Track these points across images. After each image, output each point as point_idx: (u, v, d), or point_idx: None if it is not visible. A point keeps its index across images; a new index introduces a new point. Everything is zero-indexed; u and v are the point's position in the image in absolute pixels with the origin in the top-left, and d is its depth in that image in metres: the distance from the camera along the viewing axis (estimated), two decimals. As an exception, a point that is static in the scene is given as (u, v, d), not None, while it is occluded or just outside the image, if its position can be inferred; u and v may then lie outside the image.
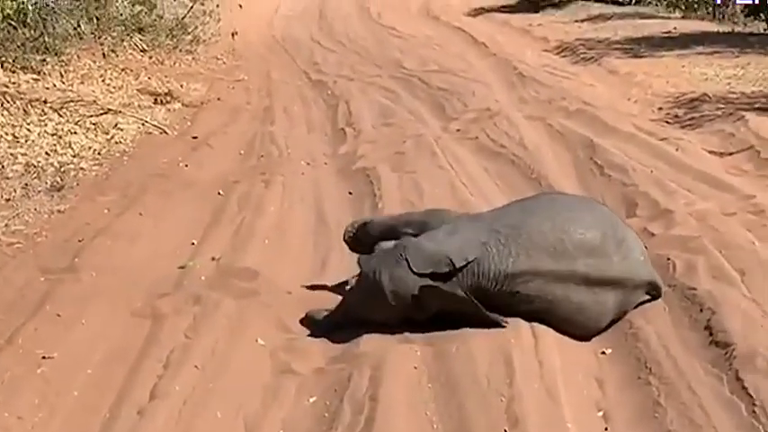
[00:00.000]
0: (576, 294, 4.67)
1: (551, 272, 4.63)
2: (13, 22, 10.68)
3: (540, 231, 4.67)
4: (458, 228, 4.83)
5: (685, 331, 4.60)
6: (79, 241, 6.22)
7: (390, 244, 4.94)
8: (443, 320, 4.68)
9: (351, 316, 4.87)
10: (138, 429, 4.00)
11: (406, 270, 4.66)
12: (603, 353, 4.64)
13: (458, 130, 9.16)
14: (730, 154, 7.67)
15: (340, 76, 12.89)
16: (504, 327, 4.58)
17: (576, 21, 16.93)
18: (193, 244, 6.27)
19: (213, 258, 5.92)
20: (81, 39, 11.92)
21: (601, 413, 4.10)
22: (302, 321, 5.02)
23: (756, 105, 9.16)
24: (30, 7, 10.90)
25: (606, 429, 3.97)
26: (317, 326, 4.95)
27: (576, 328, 4.74)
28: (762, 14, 14.50)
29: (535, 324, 4.66)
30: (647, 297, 4.89)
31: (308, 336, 4.92)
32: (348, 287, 5.14)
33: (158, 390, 4.30)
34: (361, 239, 5.47)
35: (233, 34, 14.91)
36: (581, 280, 4.66)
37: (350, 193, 7.42)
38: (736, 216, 5.96)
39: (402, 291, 4.65)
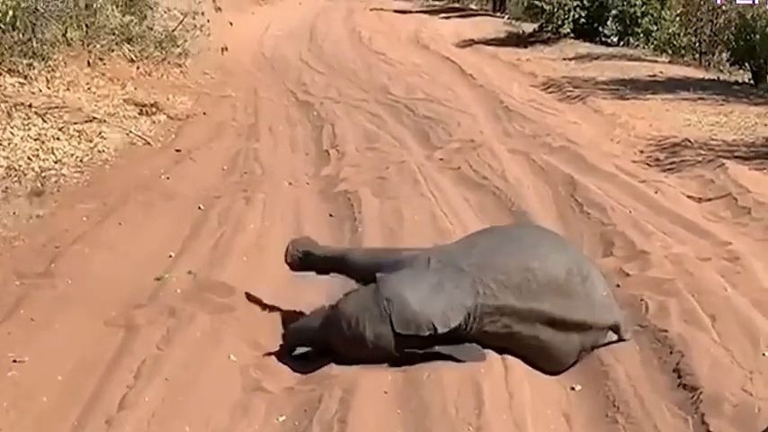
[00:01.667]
0: (543, 333, 4.71)
1: (518, 311, 4.66)
2: (1, 26, 10.67)
3: (505, 272, 4.68)
4: (443, 283, 4.69)
5: (654, 372, 4.64)
6: (56, 247, 6.20)
7: (372, 287, 4.79)
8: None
9: (322, 347, 4.86)
10: (105, 439, 3.99)
11: (388, 327, 4.61)
12: (573, 388, 4.67)
13: (441, 159, 9.21)
14: (708, 200, 7.75)
15: (327, 97, 12.94)
16: (482, 360, 4.61)
17: (564, 58, 17.06)
18: (171, 256, 6.28)
19: (190, 272, 5.92)
20: (69, 45, 11.92)
21: (567, 448, 4.13)
22: (275, 340, 5.03)
23: (737, 153, 9.26)
24: (19, 11, 10.88)
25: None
26: (290, 345, 4.95)
27: (545, 364, 4.78)
28: (746, 64, 14.67)
29: (506, 356, 4.69)
30: (615, 337, 4.93)
31: (281, 354, 4.92)
32: (322, 319, 4.95)
33: (128, 400, 4.28)
34: (305, 265, 5.51)
35: (222, 50, 14.93)
36: (547, 320, 4.70)
37: (330, 215, 7.44)
38: (710, 261, 6.02)
39: (384, 344, 4.63)
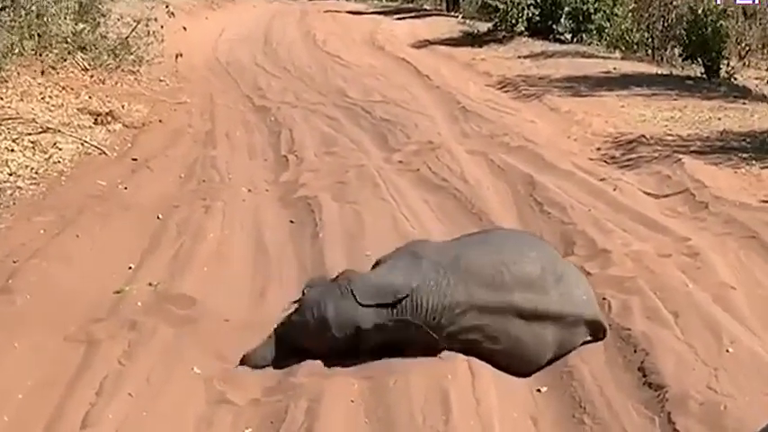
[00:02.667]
0: (513, 327, 4.72)
1: (488, 304, 4.68)
2: (-49, 37, 10.53)
3: (478, 264, 4.75)
4: (398, 264, 4.88)
5: (619, 372, 4.66)
6: (14, 262, 6.10)
7: (326, 281, 4.97)
8: (380, 352, 4.69)
9: (287, 346, 4.85)
10: (68, 458, 3.94)
11: (351, 302, 4.68)
12: (539, 390, 4.68)
13: (400, 162, 9.20)
14: (666, 196, 7.80)
15: (284, 102, 12.87)
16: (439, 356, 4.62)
17: (519, 57, 17.11)
18: (130, 268, 6.21)
19: (150, 284, 5.85)
20: (21, 55, 11.72)
21: (535, 452, 4.14)
22: (239, 351, 4.98)
23: (692, 148, 9.34)
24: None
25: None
26: (254, 360, 4.90)
27: (516, 362, 4.78)
28: (698, 58, 14.80)
29: (473, 360, 4.69)
30: (590, 337, 4.94)
31: (245, 366, 4.89)
32: (284, 317, 5.07)
33: (90, 417, 4.24)
34: None
35: (177, 56, 14.80)
36: (518, 313, 4.71)
37: (291, 222, 7.40)
38: (671, 258, 6.06)
39: (347, 322, 4.66)
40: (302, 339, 4.80)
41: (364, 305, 4.68)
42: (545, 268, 4.84)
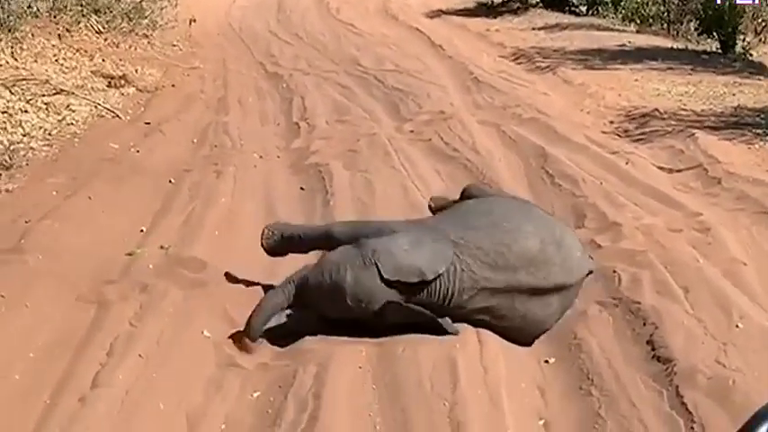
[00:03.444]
0: (520, 303, 4.75)
1: (495, 285, 4.71)
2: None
3: (484, 246, 4.74)
4: (423, 240, 4.78)
5: (628, 345, 4.67)
6: (26, 222, 6.12)
7: (355, 245, 4.82)
8: (392, 327, 4.70)
9: (299, 303, 4.84)
10: (78, 417, 3.95)
11: (373, 274, 4.64)
12: (547, 362, 4.69)
13: (411, 131, 9.18)
14: (679, 171, 7.77)
15: (296, 69, 12.85)
16: (456, 335, 4.62)
17: (533, 28, 17.01)
18: (142, 231, 6.23)
19: (162, 247, 5.88)
20: (36, 17, 11.74)
21: (542, 422, 4.16)
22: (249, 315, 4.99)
23: (706, 124, 9.29)
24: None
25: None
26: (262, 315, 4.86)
27: (522, 333, 4.83)
28: (714, 33, 14.70)
29: (481, 330, 4.71)
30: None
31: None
32: (301, 276, 4.93)
33: (101, 378, 4.26)
34: (283, 246, 5.41)
35: (190, 21, 14.78)
36: (525, 290, 4.73)
37: (301, 189, 7.41)
38: (682, 233, 6.04)
39: (363, 294, 4.64)
40: (313, 298, 4.77)
41: (386, 280, 4.65)
42: (544, 240, 4.86)
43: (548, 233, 4.93)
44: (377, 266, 4.64)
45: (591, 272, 5.10)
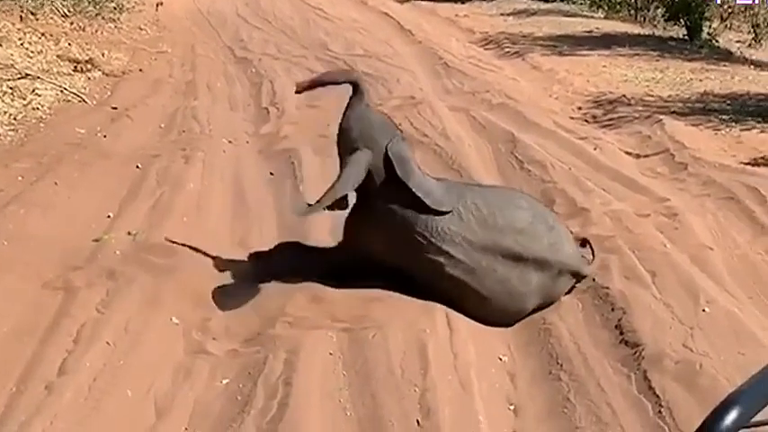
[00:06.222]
0: (501, 267, 4.78)
1: (479, 240, 4.78)
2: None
3: (473, 203, 4.84)
4: (433, 180, 5.01)
5: (597, 329, 4.69)
6: (-9, 208, 6.06)
7: None
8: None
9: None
10: (45, 405, 3.90)
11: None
12: (516, 347, 4.70)
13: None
14: (646, 156, 7.82)
15: (265, 54, 12.78)
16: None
17: (502, 14, 17.04)
18: (109, 217, 6.17)
19: (129, 233, 5.83)
20: (0, 0, 11.60)
21: (512, 407, 4.17)
22: (218, 301, 4.98)
23: (673, 110, 9.35)
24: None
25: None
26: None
27: (498, 305, 4.82)
28: (681, 19, 14.78)
29: (451, 314, 4.71)
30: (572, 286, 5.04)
31: (224, 314, 4.88)
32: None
33: (68, 365, 4.22)
34: None
35: (157, 5, 14.67)
36: (507, 254, 4.77)
37: (271, 174, 7.37)
38: (649, 218, 6.08)
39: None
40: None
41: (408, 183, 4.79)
42: (536, 216, 4.95)
43: (541, 214, 5.05)
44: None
45: (583, 276, 5.07)
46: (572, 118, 9.24)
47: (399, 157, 4.86)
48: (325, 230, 5.82)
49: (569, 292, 5.04)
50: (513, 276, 4.81)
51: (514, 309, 4.87)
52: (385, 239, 4.86)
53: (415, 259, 4.80)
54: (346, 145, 4.94)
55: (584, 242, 5.33)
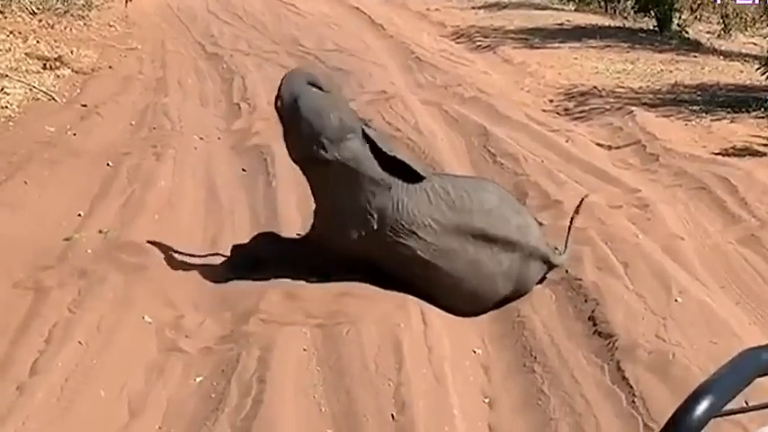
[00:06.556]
0: (471, 248, 4.79)
1: (449, 221, 4.81)
2: None
3: (441, 187, 4.89)
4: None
5: (570, 321, 4.71)
6: (-40, 208, 6.00)
7: None
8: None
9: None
10: (16, 406, 3.87)
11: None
12: (490, 340, 4.71)
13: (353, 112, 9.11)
14: (618, 147, 7.85)
15: (236, 50, 12.72)
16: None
17: (473, 8, 17.04)
18: (80, 216, 6.13)
19: (100, 231, 5.79)
20: (-34, -2, 11.49)
21: (486, 400, 4.18)
22: (190, 299, 4.96)
23: (644, 101, 9.39)
24: None
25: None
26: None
27: (470, 288, 4.84)
28: (651, 11, 14.83)
29: (426, 308, 4.71)
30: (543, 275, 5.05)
31: (197, 311, 4.86)
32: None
33: (39, 365, 4.18)
34: None
35: (126, 1, 14.54)
36: (477, 234, 4.80)
37: (243, 171, 7.34)
38: (622, 209, 6.11)
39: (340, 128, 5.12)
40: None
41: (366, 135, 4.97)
42: (503, 200, 5.01)
43: (507, 199, 5.12)
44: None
45: (554, 265, 5.09)
46: (544, 111, 9.26)
47: (377, 136, 5.03)
48: (297, 225, 5.82)
49: (541, 282, 5.05)
50: (484, 257, 4.83)
51: (486, 292, 4.87)
52: (356, 226, 4.87)
53: (386, 244, 4.81)
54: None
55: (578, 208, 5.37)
